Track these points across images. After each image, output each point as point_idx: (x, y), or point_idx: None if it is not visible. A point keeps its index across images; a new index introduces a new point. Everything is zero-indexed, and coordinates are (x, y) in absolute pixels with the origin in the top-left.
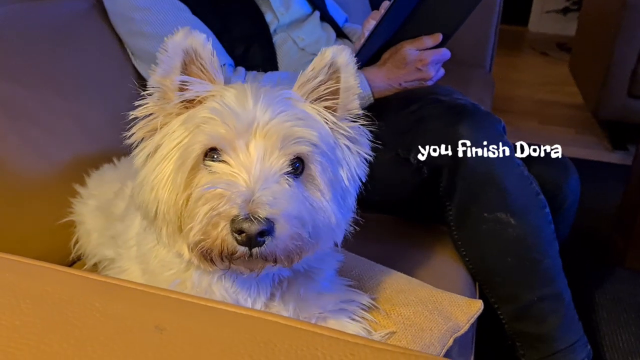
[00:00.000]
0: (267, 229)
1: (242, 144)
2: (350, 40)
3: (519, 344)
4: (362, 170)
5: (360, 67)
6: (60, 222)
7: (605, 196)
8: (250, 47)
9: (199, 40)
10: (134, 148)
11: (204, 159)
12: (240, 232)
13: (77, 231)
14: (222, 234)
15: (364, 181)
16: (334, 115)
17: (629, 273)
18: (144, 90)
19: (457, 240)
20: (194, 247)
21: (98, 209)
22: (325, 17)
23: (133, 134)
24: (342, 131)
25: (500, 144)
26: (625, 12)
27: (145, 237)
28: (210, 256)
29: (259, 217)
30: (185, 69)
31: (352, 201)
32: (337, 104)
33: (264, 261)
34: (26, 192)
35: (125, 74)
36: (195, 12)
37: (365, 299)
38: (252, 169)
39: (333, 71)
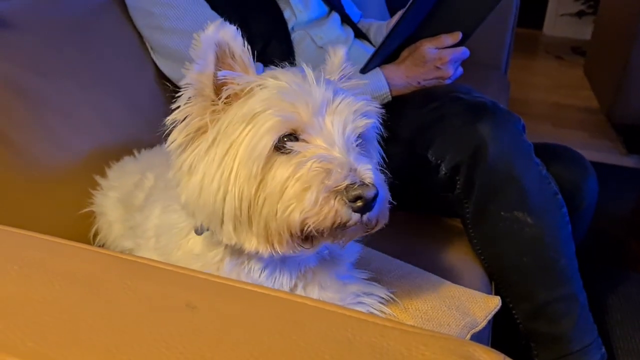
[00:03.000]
0: (377, 194)
1: (320, 121)
2: (369, 41)
3: (533, 344)
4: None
5: (379, 65)
6: (80, 213)
7: (620, 200)
8: (268, 44)
9: (230, 33)
10: (175, 152)
11: (276, 147)
12: (356, 199)
13: (97, 222)
14: (336, 205)
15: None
16: None
17: None
18: (175, 91)
19: (474, 238)
20: (296, 227)
21: (119, 201)
22: (345, 18)
23: (174, 139)
24: None
25: (520, 142)
26: None
27: (166, 229)
28: (317, 232)
29: (370, 182)
30: (218, 63)
31: None
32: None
33: (367, 227)
34: (46, 181)
35: (146, 68)
36: (214, 7)
37: (383, 292)
38: (338, 143)
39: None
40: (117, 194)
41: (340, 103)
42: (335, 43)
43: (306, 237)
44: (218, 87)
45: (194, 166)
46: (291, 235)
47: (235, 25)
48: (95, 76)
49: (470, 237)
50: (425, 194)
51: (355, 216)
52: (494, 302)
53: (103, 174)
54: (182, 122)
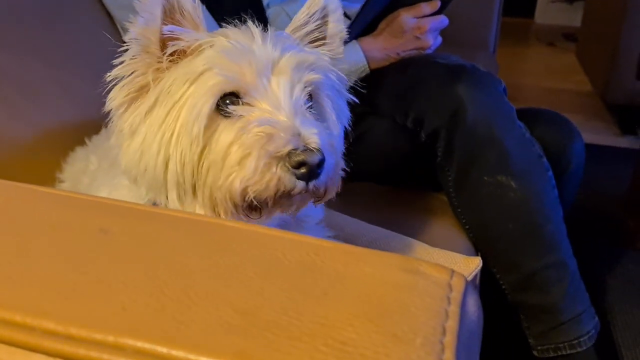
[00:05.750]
0: (323, 159)
1: (265, 82)
2: (347, 17)
3: (523, 316)
4: (347, 115)
5: (356, 37)
6: None
7: (616, 180)
8: (241, 20)
9: None
10: (115, 113)
11: (219, 107)
12: (299, 165)
13: None
14: (279, 172)
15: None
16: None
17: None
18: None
19: (457, 207)
20: (237, 196)
21: (70, 190)
22: None
23: (114, 97)
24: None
25: (501, 104)
26: None
27: None
28: (259, 201)
29: (314, 147)
30: (166, 19)
31: (342, 145)
32: (326, 48)
33: (314, 195)
34: (8, 160)
35: (116, 50)
36: None
37: None
38: (282, 105)
39: (323, 16)
40: (68, 185)
41: (286, 61)
42: None
43: (251, 207)
44: (164, 44)
45: (135, 128)
46: (235, 205)
47: (206, 1)
48: (63, 55)
49: (454, 207)
50: (409, 166)
51: (300, 184)
52: (475, 263)
53: (67, 155)
54: (126, 79)
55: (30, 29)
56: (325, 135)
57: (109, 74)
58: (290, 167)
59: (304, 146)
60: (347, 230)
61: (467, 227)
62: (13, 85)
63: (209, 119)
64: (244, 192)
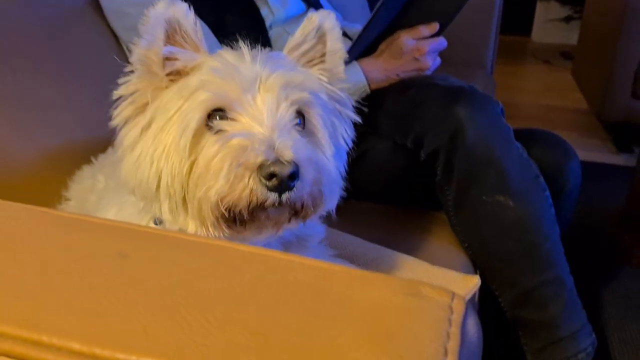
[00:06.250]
0: (296, 171)
1: (249, 98)
2: (349, 37)
3: (521, 332)
4: (350, 134)
5: (356, 58)
6: None
7: (612, 197)
8: (244, 41)
9: (180, 10)
10: (119, 130)
11: (207, 123)
12: (270, 177)
13: None
14: (251, 184)
15: (350, 146)
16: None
17: (636, 271)
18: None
19: (456, 225)
20: (215, 207)
21: (76, 209)
22: None
23: (119, 113)
24: (332, 93)
25: (499, 125)
26: (627, 13)
27: None
28: (234, 213)
29: (287, 159)
30: (168, 40)
31: (343, 164)
32: (324, 67)
33: (291, 209)
34: (15, 178)
35: (122, 70)
36: (189, 5)
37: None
38: (264, 120)
39: (320, 35)
40: (74, 203)
41: (273, 80)
42: None
43: (230, 219)
44: (166, 64)
45: (133, 142)
46: (216, 217)
47: (210, 23)
48: (69, 76)
49: (453, 225)
50: (409, 185)
51: (272, 196)
52: (473, 281)
53: (73, 173)
54: (129, 97)
55: (37, 50)
56: (304, 150)
57: (115, 92)
58: (261, 178)
59: (276, 158)
60: (348, 249)
61: (466, 245)
62: (20, 105)
63: (198, 134)
64: (221, 202)
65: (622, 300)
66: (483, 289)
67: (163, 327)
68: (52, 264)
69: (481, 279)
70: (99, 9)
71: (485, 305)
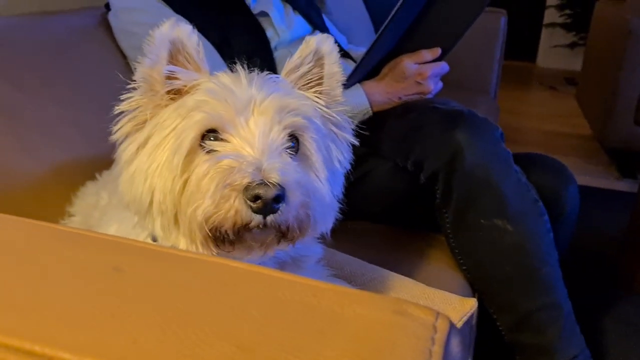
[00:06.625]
0: (281, 195)
1: (242, 121)
2: (353, 60)
3: (519, 357)
4: (348, 157)
5: (359, 81)
6: None
7: (614, 223)
8: (250, 62)
9: (184, 31)
10: (119, 145)
11: (200, 143)
12: (255, 199)
13: None
14: (236, 204)
15: (348, 169)
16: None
17: (636, 297)
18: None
19: (454, 248)
20: (201, 226)
21: (80, 224)
22: None
23: (119, 128)
24: (329, 116)
25: (498, 149)
26: (630, 40)
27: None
28: (220, 232)
29: (273, 182)
30: (171, 60)
31: (339, 187)
32: (322, 90)
33: (277, 231)
34: (20, 193)
35: (126, 87)
36: (196, 26)
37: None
38: (255, 143)
39: (317, 58)
40: (78, 219)
41: (268, 103)
42: None
43: (218, 239)
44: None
45: (130, 157)
46: (203, 236)
47: (216, 43)
48: (76, 94)
49: (451, 248)
50: (408, 207)
51: (257, 217)
52: (470, 303)
53: (77, 189)
54: (130, 113)
55: (46, 67)
56: (293, 173)
57: (116, 107)
58: (246, 199)
59: (261, 180)
60: (346, 269)
61: (464, 267)
62: (26, 121)
63: (192, 153)
64: (206, 222)
65: (622, 327)
66: (481, 312)
67: (153, 339)
68: (48, 276)
69: (479, 302)
70: (108, 28)
71: (483, 328)
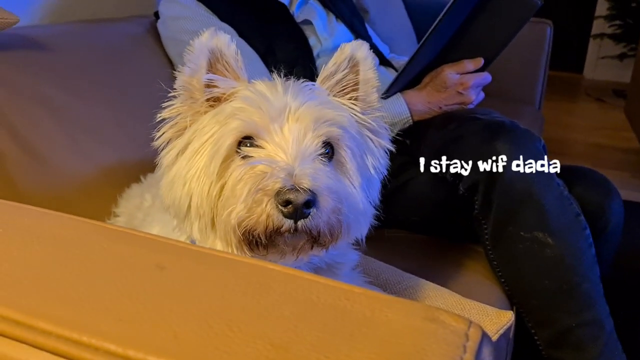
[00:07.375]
0: (312, 200)
1: (277, 128)
2: (394, 69)
3: None
4: (384, 164)
5: (400, 90)
6: None
7: None
8: (293, 69)
9: (223, 40)
10: (160, 150)
11: (237, 149)
12: (286, 203)
13: None
14: (267, 209)
15: (385, 174)
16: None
17: None
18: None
19: (493, 260)
20: (235, 230)
21: (124, 224)
22: (371, 47)
23: (162, 134)
24: (364, 122)
25: (540, 161)
26: None
27: None
28: (253, 236)
29: (304, 187)
30: (211, 69)
31: (375, 194)
32: (357, 96)
33: (308, 236)
34: (70, 192)
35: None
36: (241, 34)
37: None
38: (288, 149)
39: (352, 65)
40: (123, 219)
41: (303, 111)
42: None
43: (252, 242)
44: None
45: (171, 162)
46: (238, 239)
47: (261, 51)
48: (125, 99)
49: (490, 260)
50: (447, 217)
51: (288, 222)
52: (507, 317)
53: (123, 190)
54: (172, 120)
55: (96, 73)
56: (325, 179)
57: (158, 114)
58: (278, 204)
59: (292, 185)
60: (382, 277)
61: (502, 280)
62: (78, 125)
63: (228, 159)
64: (239, 225)
65: None
66: (520, 326)
67: (192, 334)
68: (96, 271)
69: (518, 316)
70: (157, 36)
71: (521, 343)
